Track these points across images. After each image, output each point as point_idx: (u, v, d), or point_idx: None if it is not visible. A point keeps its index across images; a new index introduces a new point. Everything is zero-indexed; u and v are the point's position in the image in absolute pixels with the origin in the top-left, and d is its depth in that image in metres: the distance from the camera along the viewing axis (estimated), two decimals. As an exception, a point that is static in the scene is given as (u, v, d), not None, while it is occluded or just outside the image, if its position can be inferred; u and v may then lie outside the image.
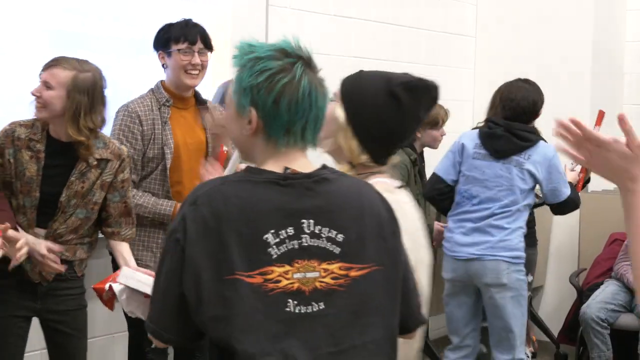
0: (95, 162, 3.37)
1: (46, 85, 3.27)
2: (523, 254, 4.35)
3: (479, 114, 4.71)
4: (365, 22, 5.52)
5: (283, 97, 1.91)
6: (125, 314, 3.29)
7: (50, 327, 3.49)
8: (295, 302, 1.88)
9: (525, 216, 4.36)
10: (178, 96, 3.81)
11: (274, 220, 1.89)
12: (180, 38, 3.74)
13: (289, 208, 1.91)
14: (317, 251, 1.91)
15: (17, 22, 3.75)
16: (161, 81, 3.82)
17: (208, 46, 3.79)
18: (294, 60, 1.93)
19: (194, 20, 3.83)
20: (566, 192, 4.37)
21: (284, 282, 1.88)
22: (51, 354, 3.54)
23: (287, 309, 1.88)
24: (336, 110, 2.35)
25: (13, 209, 3.31)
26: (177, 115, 3.80)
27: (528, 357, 4.51)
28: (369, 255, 1.96)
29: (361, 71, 2.45)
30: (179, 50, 3.72)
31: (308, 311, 1.89)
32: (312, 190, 1.94)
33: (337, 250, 1.93)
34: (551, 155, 4.31)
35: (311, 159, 2.02)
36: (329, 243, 1.92)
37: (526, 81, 4.47)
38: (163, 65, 3.80)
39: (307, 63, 1.95)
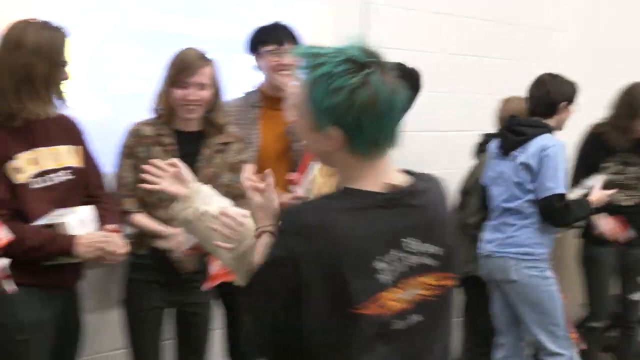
0: (219, 147, 3.55)
1: (201, 87, 3.45)
2: (536, 250, 4.28)
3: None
4: (462, 18, 5.52)
5: (365, 113, 1.84)
6: None
7: (184, 318, 3.64)
8: (400, 320, 1.89)
9: (533, 211, 4.27)
10: (274, 97, 3.87)
11: (380, 246, 1.86)
12: (268, 40, 3.83)
13: (394, 230, 1.88)
14: (418, 267, 1.91)
15: (117, 24, 3.88)
16: (260, 83, 3.93)
17: (293, 46, 3.83)
18: (369, 70, 1.85)
19: (285, 22, 3.91)
20: (551, 187, 4.18)
21: (392, 305, 1.87)
22: (181, 344, 3.67)
23: (393, 328, 1.89)
24: None
25: (149, 205, 3.47)
26: (268, 116, 3.89)
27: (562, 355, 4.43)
28: (456, 264, 2.00)
29: None
30: (268, 51, 3.82)
31: (409, 325, 1.91)
32: (412, 206, 1.92)
33: (435, 263, 1.94)
34: (547, 146, 4.21)
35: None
36: (429, 258, 1.93)
37: (550, 75, 4.41)
38: (256, 67, 3.91)
39: (382, 67, 1.87)
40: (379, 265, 1.85)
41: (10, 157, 3.08)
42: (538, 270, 4.28)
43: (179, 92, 3.46)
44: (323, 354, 1.87)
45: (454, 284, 1.99)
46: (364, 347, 1.86)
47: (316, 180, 2.39)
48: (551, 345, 4.28)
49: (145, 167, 2.62)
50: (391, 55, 2.01)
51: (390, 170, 1.96)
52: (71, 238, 3.09)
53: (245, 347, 1.92)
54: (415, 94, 2.37)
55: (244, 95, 3.95)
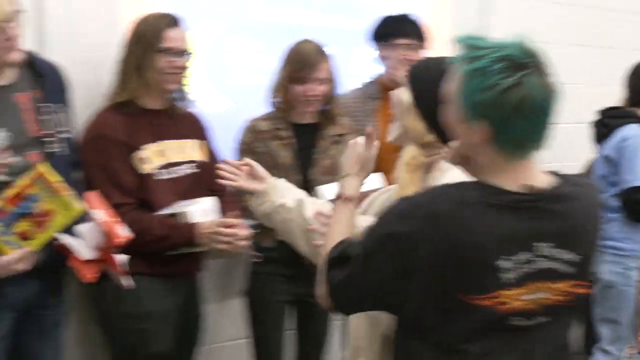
0: (334, 138, 3.56)
1: (320, 82, 3.47)
2: (623, 245, 4.16)
3: None
4: (582, 8, 5.40)
5: (514, 115, 1.82)
6: None
7: (306, 310, 3.65)
8: (523, 319, 1.88)
9: (619, 205, 4.13)
10: (389, 87, 3.85)
11: (508, 246, 1.84)
12: (402, 32, 3.79)
13: (526, 232, 1.86)
14: (551, 273, 1.88)
15: (238, 17, 3.91)
16: (379, 74, 3.91)
17: (422, 41, 3.84)
18: (526, 72, 1.82)
19: (412, 14, 3.88)
20: (628, 180, 4.07)
21: (513, 303, 1.86)
22: (301, 336, 3.70)
23: (512, 324, 1.88)
24: (402, 94, 2.34)
25: None
26: (386, 108, 3.82)
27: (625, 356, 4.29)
28: (591, 271, 1.98)
29: (428, 57, 2.43)
30: (401, 44, 3.78)
31: (533, 324, 1.90)
32: (551, 211, 1.88)
33: (570, 270, 1.90)
34: (628, 137, 4.09)
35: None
36: (565, 265, 1.89)
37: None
38: (379, 58, 3.88)
39: (539, 69, 1.84)
40: (504, 264, 1.84)
41: (137, 148, 3.16)
42: (621, 267, 4.16)
43: (299, 88, 3.47)
44: (432, 330, 1.90)
45: (587, 291, 1.95)
46: (474, 336, 1.87)
47: (401, 177, 2.38)
48: (608, 345, 4.17)
49: (221, 166, 2.74)
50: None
51: (534, 172, 1.93)
52: (193, 226, 3.14)
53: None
54: None
55: (361, 87, 3.93)
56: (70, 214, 2.70)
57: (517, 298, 1.85)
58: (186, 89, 3.31)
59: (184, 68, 3.22)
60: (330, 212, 2.29)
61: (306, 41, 3.53)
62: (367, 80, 3.94)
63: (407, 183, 2.37)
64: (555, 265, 1.88)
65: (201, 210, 3.19)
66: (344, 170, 2.31)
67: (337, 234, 2.09)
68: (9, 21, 2.68)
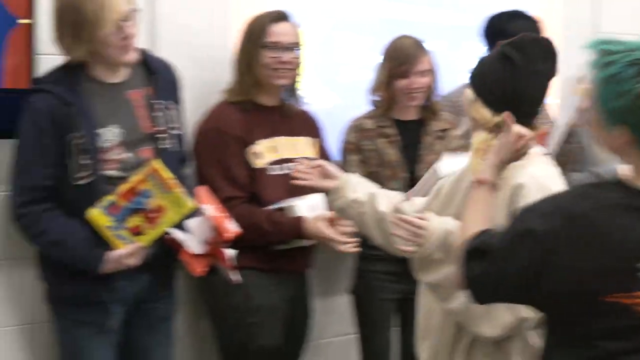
0: (438, 134, 3.55)
1: (422, 74, 3.47)
2: None
3: None
4: None
5: None
6: None
7: (410, 307, 3.62)
8: None
9: None
10: None
11: None
12: (516, 31, 3.70)
13: None
14: None
15: (347, 13, 3.92)
16: None
17: None
18: None
19: (525, 10, 3.81)
20: None
21: None
22: (405, 333, 3.63)
23: None
24: (466, 91, 2.48)
25: None
26: None
27: None
28: None
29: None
30: None
31: None
32: None
33: None
34: None
35: None
36: None
37: None
38: None
39: None
40: None
41: (251, 143, 3.22)
42: None
43: (402, 82, 3.46)
44: (567, 324, 1.93)
45: None
46: (610, 334, 1.88)
47: (473, 162, 2.45)
48: None
49: (295, 167, 2.88)
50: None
51: None
52: (300, 220, 3.17)
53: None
54: (551, 58, 2.45)
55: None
56: (181, 211, 2.74)
57: None
58: (298, 86, 3.34)
59: (291, 63, 3.25)
60: (413, 217, 2.42)
61: (404, 37, 3.53)
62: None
63: (479, 167, 2.40)
64: None
65: (309, 206, 3.21)
66: (486, 156, 2.33)
67: (474, 221, 2.11)
68: (126, 20, 2.74)
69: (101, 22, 2.68)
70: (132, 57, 2.82)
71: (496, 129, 2.41)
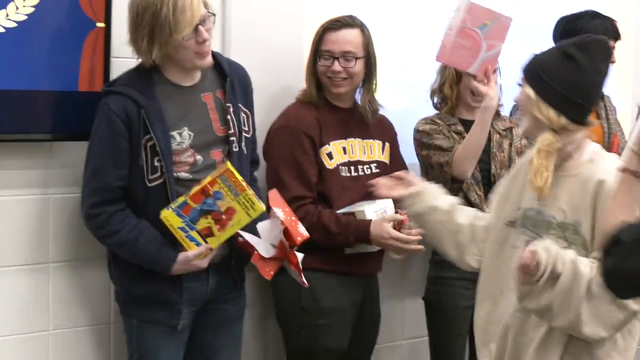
0: (503, 132, 3.55)
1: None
2: None
3: None
4: None
5: None
6: None
7: None
8: None
9: None
10: None
11: None
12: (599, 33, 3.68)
13: None
14: None
15: (416, 16, 3.90)
16: None
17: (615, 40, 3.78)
18: None
19: (600, 11, 3.79)
20: None
21: None
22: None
23: None
24: (525, 90, 2.50)
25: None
26: None
27: None
28: None
29: (534, 54, 2.61)
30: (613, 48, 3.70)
31: None
32: None
33: None
34: None
35: None
36: None
37: None
38: None
39: None
40: None
41: (324, 143, 3.24)
42: None
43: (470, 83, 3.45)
44: None
45: None
46: None
47: (534, 163, 2.51)
48: None
49: (375, 181, 3.01)
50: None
51: None
52: (367, 222, 3.17)
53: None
54: (608, 58, 2.48)
55: None
56: (251, 214, 2.75)
57: None
58: (370, 91, 3.34)
59: (343, 72, 3.25)
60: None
61: None
62: None
63: (540, 169, 2.48)
64: None
65: (376, 211, 3.21)
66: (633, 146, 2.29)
67: (618, 211, 2.12)
68: (202, 24, 2.75)
69: (177, 25, 2.69)
70: (208, 61, 2.84)
71: (562, 130, 2.48)
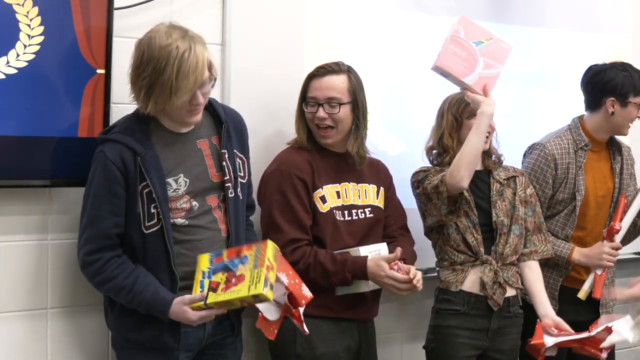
0: (505, 181, 3.53)
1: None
2: None
3: None
4: None
5: None
6: None
7: None
8: None
9: None
10: (596, 140, 3.82)
11: None
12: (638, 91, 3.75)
13: None
14: None
15: (411, 62, 3.91)
16: (579, 120, 3.82)
17: None
18: None
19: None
20: None
21: None
22: None
23: None
24: None
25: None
26: (591, 159, 3.81)
27: None
28: None
29: None
30: (636, 104, 3.75)
31: None
32: None
33: None
34: None
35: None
36: None
37: None
38: (590, 107, 3.81)
39: None
40: None
41: (318, 187, 3.25)
42: None
43: (472, 122, 3.42)
44: None
45: None
46: None
47: None
48: None
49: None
50: None
51: None
52: (364, 259, 3.18)
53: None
54: None
55: (565, 133, 3.82)
56: (251, 290, 2.68)
57: None
58: (359, 137, 3.33)
59: (328, 119, 3.26)
60: None
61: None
62: (572, 126, 3.83)
63: None
64: None
65: (372, 251, 3.22)
66: None
67: None
68: (202, 87, 2.77)
69: (178, 91, 2.70)
70: (197, 119, 2.85)
71: None
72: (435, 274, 3.64)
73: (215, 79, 2.83)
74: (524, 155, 3.83)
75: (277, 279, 2.77)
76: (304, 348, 3.19)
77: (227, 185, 2.92)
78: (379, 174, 3.47)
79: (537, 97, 4.20)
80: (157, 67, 2.69)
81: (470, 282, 3.45)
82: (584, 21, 4.38)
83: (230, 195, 2.92)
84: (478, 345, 3.45)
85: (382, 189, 3.44)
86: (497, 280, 3.42)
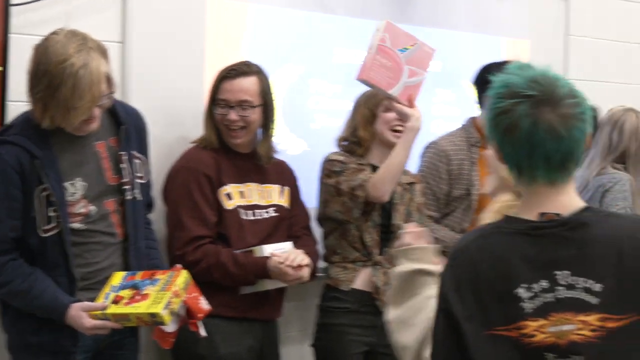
0: (407, 186, 3.57)
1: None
2: None
3: None
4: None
5: (504, 139, 1.90)
6: None
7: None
8: (554, 355, 1.84)
9: None
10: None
11: (525, 274, 1.86)
12: None
13: (541, 260, 1.86)
14: (572, 303, 1.84)
15: (317, 60, 3.95)
16: (472, 119, 3.85)
17: None
18: (520, 100, 1.87)
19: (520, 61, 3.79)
20: None
21: (540, 337, 1.84)
22: None
23: None
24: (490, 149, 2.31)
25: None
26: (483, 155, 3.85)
27: None
28: (629, 305, 1.85)
29: None
30: None
31: None
32: (567, 238, 1.87)
33: (594, 300, 1.84)
34: None
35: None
36: (586, 294, 1.84)
37: None
38: (480, 104, 3.79)
39: (540, 101, 1.87)
40: (523, 293, 1.85)
41: (222, 184, 3.26)
42: None
43: (387, 116, 3.46)
44: None
45: (622, 326, 1.84)
46: None
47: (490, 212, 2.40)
48: None
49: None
50: (592, 88, 1.98)
51: (557, 201, 1.92)
52: (264, 258, 3.20)
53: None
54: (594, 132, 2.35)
55: (458, 131, 3.85)
56: (151, 309, 2.67)
57: (542, 330, 1.84)
58: (268, 138, 3.36)
59: (240, 121, 3.26)
60: None
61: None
62: (466, 124, 3.86)
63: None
64: (575, 294, 1.84)
65: (276, 250, 3.23)
66: None
67: None
68: (99, 103, 2.72)
69: (74, 111, 2.66)
70: (91, 128, 2.80)
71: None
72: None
73: (113, 92, 2.79)
74: (421, 155, 3.85)
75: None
76: (207, 349, 3.19)
77: (124, 187, 2.90)
78: (283, 174, 3.48)
79: (437, 98, 4.25)
80: (52, 84, 2.63)
81: (361, 281, 3.48)
82: (484, 23, 4.46)
83: (128, 198, 2.90)
84: (367, 342, 3.50)
85: (286, 188, 3.45)
86: (388, 281, 3.47)
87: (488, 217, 2.38)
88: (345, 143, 3.57)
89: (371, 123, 3.51)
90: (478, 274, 1.89)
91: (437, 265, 2.31)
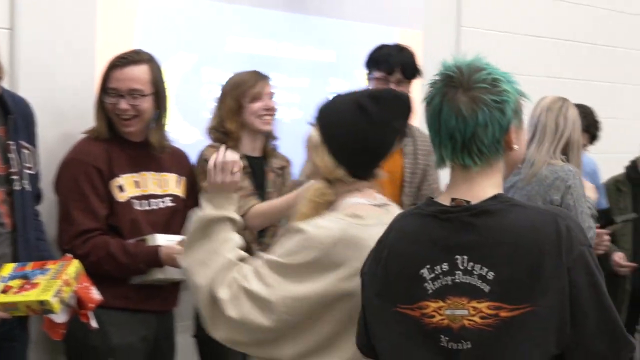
0: (277, 171, 3.61)
1: (271, 95, 3.55)
2: None
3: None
4: (556, 41, 5.47)
5: (425, 114, 1.97)
6: None
7: None
8: (447, 338, 1.88)
9: None
10: None
11: (430, 256, 1.91)
12: (379, 64, 3.69)
13: (445, 243, 1.90)
14: (467, 288, 1.87)
15: (210, 49, 3.96)
16: None
17: (408, 76, 3.70)
18: (440, 79, 1.94)
19: (405, 46, 3.79)
20: None
21: (437, 318, 1.89)
22: None
23: (441, 344, 1.89)
24: (312, 132, 2.37)
25: None
26: None
27: None
28: (522, 296, 1.86)
29: (337, 94, 2.44)
30: (375, 78, 3.69)
31: (458, 348, 1.88)
32: (469, 224, 1.89)
33: (486, 288, 1.86)
34: None
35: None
36: (479, 280, 1.87)
37: None
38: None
39: (455, 82, 1.92)
40: (426, 274, 1.91)
41: (115, 175, 3.22)
42: None
43: (255, 105, 3.49)
44: (380, 347, 2.01)
45: (513, 316, 1.86)
46: (412, 347, 1.93)
47: (301, 213, 2.39)
48: None
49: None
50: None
51: (467, 188, 1.95)
52: (156, 247, 3.18)
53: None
54: (407, 115, 2.41)
55: None
56: (41, 296, 2.63)
57: (439, 312, 1.89)
58: (161, 127, 3.33)
59: (131, 109, 3.23)
60: None
61: (245, 71, 3.58)
62: None
63: (304, 206, 2.39)
64: (470, 280, 1.87)
65: (170, 240, 3.20)
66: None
67: None
68: None
69: None
70: None
71: (337, 181, 2.35)
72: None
73: (1, 79, 2.75)
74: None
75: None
76: (98, 339, 3.14)
77: (13, 178, 2.84)
78: (180, 163, 3.45)
79: (331, 87, 4.29)
80: None
81: None
82: (378, 13, 4.51)
83: (17, 189, 2.85)
84: None
85: (183, 178, 3.42)
86: None
87: (304, 205, 2.41)
88: (216, 132, 3.55)
89: (238, 114, 3.52)
90: (391, 252, 1.97)
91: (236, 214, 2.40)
